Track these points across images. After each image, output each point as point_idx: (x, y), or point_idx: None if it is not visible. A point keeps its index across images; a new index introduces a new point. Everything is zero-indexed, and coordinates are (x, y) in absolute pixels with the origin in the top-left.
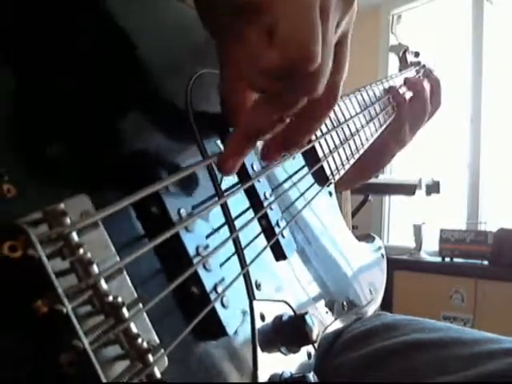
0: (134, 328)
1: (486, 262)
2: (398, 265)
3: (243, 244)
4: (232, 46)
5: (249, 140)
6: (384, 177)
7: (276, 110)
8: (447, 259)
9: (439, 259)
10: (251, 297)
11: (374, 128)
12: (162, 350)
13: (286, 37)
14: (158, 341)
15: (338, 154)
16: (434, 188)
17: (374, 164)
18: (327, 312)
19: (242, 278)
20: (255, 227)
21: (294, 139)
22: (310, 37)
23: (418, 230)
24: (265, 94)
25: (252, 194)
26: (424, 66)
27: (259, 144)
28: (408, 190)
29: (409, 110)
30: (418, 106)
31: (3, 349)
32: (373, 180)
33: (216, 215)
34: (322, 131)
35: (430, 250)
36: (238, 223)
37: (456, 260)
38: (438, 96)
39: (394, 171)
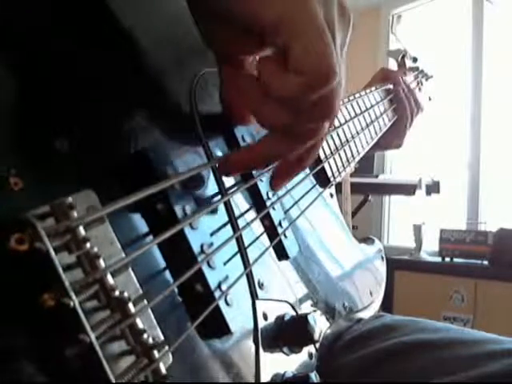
0: (139, 323)
1: (485, 262)
2: (398, 265)
3: (246, 243)
4: (228, 53)
5: (256, 163)
6: (384, 177)
7: (294, 141)
8: (447, 259)
9: (439, 259)
10: (254, 296)
11: (374, 130)
12: (167, 347)
13: (302, 58)
14: (162, 337)
15: (340, 155)
16: (434, 188)
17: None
18: (327, 313)
19: (245, 277)
20: (258, 227)
21: (305, 161)
22: (328, 52)
23: (417, 230)
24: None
25: (255, 193)
26: (422, 71)
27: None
28: (408, 189)
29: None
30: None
31: (9, 341)
32: (373, 180)
33: (220, 214)
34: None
35: (429, 250)
36: (241, 222)
37: (456, 260)
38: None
39: (393, 171)
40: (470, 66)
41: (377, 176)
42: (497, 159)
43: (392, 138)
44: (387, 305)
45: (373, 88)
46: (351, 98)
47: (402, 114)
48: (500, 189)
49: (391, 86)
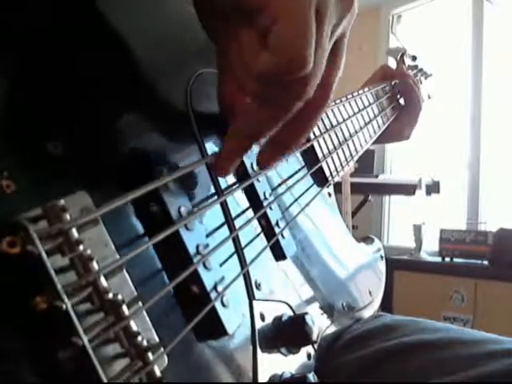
0: (133, 326)
1: (485, 262)
2: (398, 265)
3: (243, 244)
4: (227, 48)
5: (242, 144)
6: (384, 177)
7: (269, 114)
8: (447, 259)
9: (439, 259)
10: (251, 297)
11: (373, 129)
12: (162, 349)
13: (278, 40)
14: (157, 339)
15: (338, 154)
16: (434, 188)
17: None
18: (326, 313)
19: (241, 278)
20: (255, 227)
21: (288, 142)
22: (303, 42)
23: (417, 230)
24: (258, 99)
25: (252, 193)
26: (421, 69)
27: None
28: (408, 189)
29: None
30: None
31: (2, 344)
32: (373, 180)
33: (216, 214)
34: (321, 132)
35: (429, 250)
36: (237, 223)
37: (456, 260)
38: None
39: (393, 171)
40: (470, 66)
41: (377, 176)
42: (497, 159)
43: (403, 128)
44: (387, 305)
45: (371, 86)
46: (349, 96)
47: (413, 103)
48: (500, 189)
49: (392, 82)
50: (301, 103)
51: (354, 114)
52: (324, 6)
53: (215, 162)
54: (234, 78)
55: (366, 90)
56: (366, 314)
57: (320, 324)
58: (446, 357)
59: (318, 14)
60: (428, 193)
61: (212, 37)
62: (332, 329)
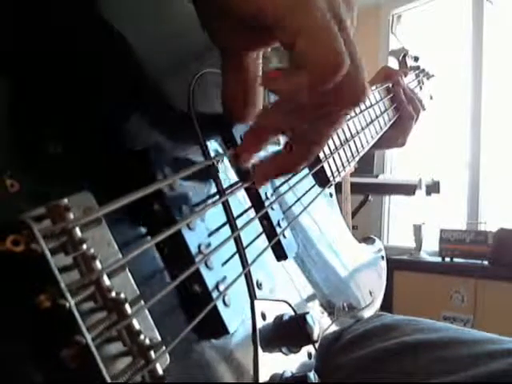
0: (136, 324)
1: (485, 262)
2: (398, 265)
3: (245, 243)
4: (238, 66)
5: (267, 135)
6: (384, 177)
7: (308, 118)
8: (447, 259)
9: (439, 259)
10: (252, 296)
11: (375, 130)
12: (164, 347)
13: (308, 53)
14: (159, 338)
15: (339, 155)
16: (433, 188)
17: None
18: (327, 313)
19: (243, 277)
20: (257, 227)
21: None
22: (336, 43)
23: (418, 230)
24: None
25: (253, 193)
26: (424, 70)
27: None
28: (408, 189)
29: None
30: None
31: (5, 343)
32: (373, 180)
33: (218, 214)
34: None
35: (430, 249)
36: (239, 222)
37: (456, 260)
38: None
39: (394, 171)
40: (470, 66)
41: (377, 176)
42: (497, 159)
43: (397, 135)
44: (387, 305)
45: (373, 87)
46: None
47: (405, 113)
48: (500, 189)
49: (391, 85)
50: (359, 101)
51: (356, 114)
52: (336, 6)
53: (237, 153)
54: (239, 77)
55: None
56: (367, 313)
57: (321, 323)
58: (446, 356)
59: (335, 18)
60: (428, 193)
61: (212, 37)
62: (333, 328)
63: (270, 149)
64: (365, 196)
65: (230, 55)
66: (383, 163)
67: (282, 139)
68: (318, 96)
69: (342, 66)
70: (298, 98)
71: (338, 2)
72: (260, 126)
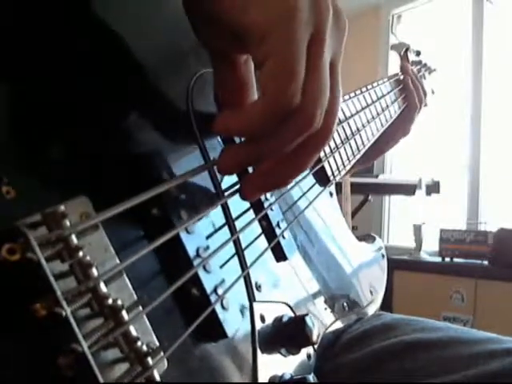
0: (133, 331)
1: (485, 262)
2: (398, 265)
3: (244, 245)
4: (228, 68)
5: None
6: (384, 177)
7: (271, 146)
8: (447, 259)
9: (439, 259)
10: (251, 298)
11: (376, 127)
12: (162, 353)
13: (265, 77)
14: (157, 343)
15: (339, 153)
16: (433, 188)
17: (377, 151)
18: (328, 313)
19: (242, 280)
20: (256, 228)
21: (283, 176)
22: (288, 76)
23: (418, 230)
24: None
25: None
26: (425, 64)
27: None
28: (408, 189)
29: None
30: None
31: (1, 351)
32: (373, 180)
33: (216, 216)
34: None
35: (430, 249)
36: (238, 224)
37: (456, 260)
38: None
39: (394, 171)
40: (470, 66)
41: (377, 176)
42: (497, 159)
43: (403, 125)
44: (387, 305)
45: (380, 81)
46: (352, 95)
47: (412, 102)
48: (500, 189)
49: (401, 77)
50: (301, 138)
51: (357, 112)
52: (322, 31)
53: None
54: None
55: (375, 84)
56: (368, 312)
57: (324, 320)
58: (447, 356)
59: (316, 45)
60: (428, 193)
61: (202, 41)
62: (333, 328)
63: None
64: (365, 196)
65: (220, 57)
66: (383, 163)
67: None
68: (271, 126)
69: (285, 103)
70: (253, 131)
71: (327, 20)
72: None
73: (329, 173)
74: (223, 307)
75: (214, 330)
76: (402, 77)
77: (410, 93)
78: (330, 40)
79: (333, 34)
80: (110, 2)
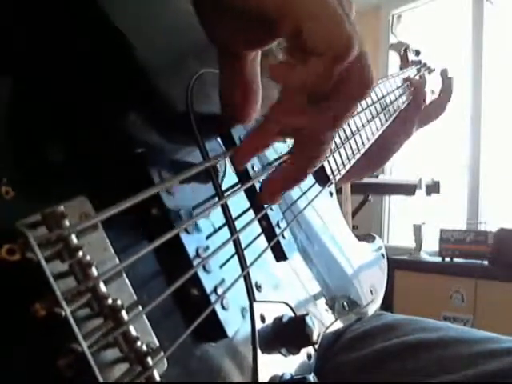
0: (133, 331)
1: (485, 262)
2: (398, 265)
3: (243, 245)
4: (237, 66)
5: (267, 140)
6: (384, 177)
7: (331, 120)
8: (447, 259)
9: (439, 259)
10: (251, 298)
11: (375, 126)
12: (162, 353)
13: (318, 37)
14: (157, 343)
15: (339, 153)
16: (434, 188)
17: (380, 156)
18: (328, 312)
19: (242, 280)
20: (255, 228)
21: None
22: (344, 25)
23: (418, 230)
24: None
25: (252, 194)
26: (425, 64)
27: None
28: (408, 189)
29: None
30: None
31: (1, 352)
32: (373, 180)
33: (216, 216)
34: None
35: (430, 249)
36: (238, 224)
37: (456, 260)
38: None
39: (394, 171)
40: (470, 66)
41: (377, 176)
42: (497, 159)
43: (400, 127)
44: (387, 305)
45: (380, 81)
46: None
47: (412, 101)
48: (500, 189)
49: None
50: (368, 90)
51: (357, 112)
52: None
53: (236, 154)
54: (238, 76)
55: (380, 81)
56: (368, 311)
57: (325, 320)
58: (447, 356)
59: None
60: (428, 193)
61: (210, 35)
62: (333, 327)
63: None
64: (365, 196)
65: (228, 55)
66: None
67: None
68: (326, 86)
69: (353, 48)
70: (308, 88)
71: None
72: (263, 129)
73: (328, 172)
74: (223, 307)
75: (213, 329)
76: (401, 76)
77: (418, 91)
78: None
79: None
80: (110, 2)
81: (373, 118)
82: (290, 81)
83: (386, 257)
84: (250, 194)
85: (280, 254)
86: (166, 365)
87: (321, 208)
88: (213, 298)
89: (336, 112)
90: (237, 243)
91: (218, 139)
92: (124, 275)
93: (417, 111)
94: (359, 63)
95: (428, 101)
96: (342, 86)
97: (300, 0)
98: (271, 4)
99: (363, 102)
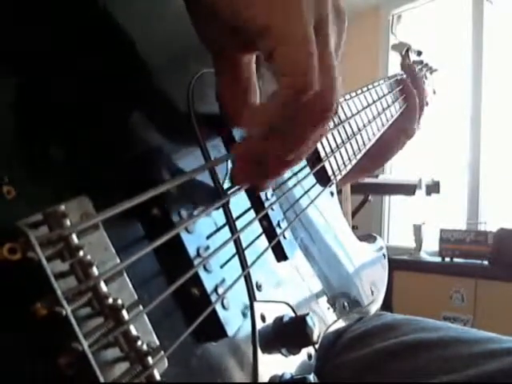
0: (133, 330)
1: (486, 262)
2: (398, 265)
3: (244, 245)
4: (230, 69)
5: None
6: (384, 177)
7: (291, 144)
8: (447, 259)
9: (439, 259)
10: (252, 298)
11: (377, 127)
12: (162, 352)
13: (284, 61)
14: (157, 343)
15: (340, 153)
16: (433, 188)
17: (381, 157)
18: (329, 312)
19: (242, 279)
20: (256, 228)
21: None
22: (309, 66)
23: (418, 230)
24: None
25: (253, 194)
26: (427, 64)
27: None
28: (408, 189)
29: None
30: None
31: (2, 351)
32: (373, 180)
33: (217, 216)
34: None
35: (430, 250)
36: (238, 224)
37: (456, 260)
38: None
39: (393, 171)
40: (470, 66)
41: (377, 176)
42: (497, 159)
43: (405, 126)
44: (387, 305)
45: (381, 81)
46: (353, 94)
47: (412, 101)
48: (500, 189)
49: (401, 76)
50: (331, 115)
51: (358, 112)
52: (324, 23)
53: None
54: (233, 80)
55: (376, 84)
56: (369, 311)
57: (326, 319)
58: (447, 356)
59: (321, 36)
60: (428, 193)
61: (203, 40)
62: (334, 327)
63: None
64: (365, 196)
65: (222, 57)
66: None
67: None
68: (287, 114)
69: (309, 88)
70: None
71: (327, 13)
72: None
73: (329, 172)
74: (224, 307)
75: (214, 329)
76: (402, 76)
77: (409, 93)
78: (333, 32)
79: (333, 25)
80: (110, 2)
81: (373, 118)
82: (254, 125)
83: (386, 257)
84: (251, 194)
85: (281, 254)
86: (166, 364)
87: (322, 208)
88: (213, 297)
89: (297, 137)
90: (237, 243)
91: (219, 138)
92: (125, 275)
93: (417, 111)
94: (321, 90)
95: (429, 100)
96: (301, 112)
97: (280, 29)
98: (255, 25)
99: (364, 102)
